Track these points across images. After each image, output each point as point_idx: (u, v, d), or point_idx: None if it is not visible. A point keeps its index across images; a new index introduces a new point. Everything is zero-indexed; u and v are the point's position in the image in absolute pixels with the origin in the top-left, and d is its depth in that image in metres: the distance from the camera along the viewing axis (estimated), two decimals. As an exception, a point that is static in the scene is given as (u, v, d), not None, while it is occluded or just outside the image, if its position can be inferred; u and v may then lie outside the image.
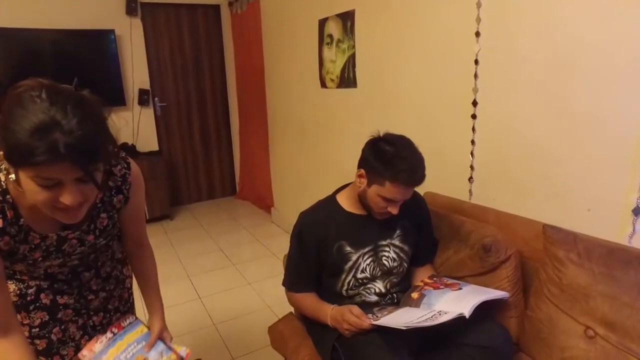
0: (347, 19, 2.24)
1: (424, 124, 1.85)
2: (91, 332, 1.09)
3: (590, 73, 1.22)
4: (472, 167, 1.66)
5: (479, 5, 1.50)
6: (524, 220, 1.39)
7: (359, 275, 1.30)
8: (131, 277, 1.20)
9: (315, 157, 2.88)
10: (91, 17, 3.47)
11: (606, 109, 1.20)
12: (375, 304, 1.30)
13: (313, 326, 1.33)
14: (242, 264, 2.89)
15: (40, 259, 0.91)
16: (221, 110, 4.35)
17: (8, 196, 0.82)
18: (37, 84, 0.71)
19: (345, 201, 1.35)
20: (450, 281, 1.27)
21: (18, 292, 0.98)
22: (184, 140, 4.20)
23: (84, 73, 3.44)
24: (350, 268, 1.29)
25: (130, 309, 1.21)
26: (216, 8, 4.08)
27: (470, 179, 1.67)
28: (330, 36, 2.41)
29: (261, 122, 3.62)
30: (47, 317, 1.02)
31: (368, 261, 1.30)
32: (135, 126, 3.84)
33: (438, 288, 1.23)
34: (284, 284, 1.40)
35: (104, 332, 1.06)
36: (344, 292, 1.31)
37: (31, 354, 0.86)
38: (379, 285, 1.31)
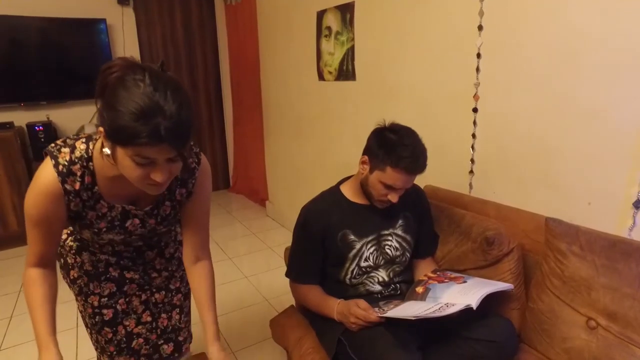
0: (346, 11, 2.22)
1: (424, 118, 1.85)
2: (153, 308, 1.18)
3: (592, 67, 1.23)
4: (472, 161, 1.66)
5: (482, -2, 1.50)
6: (524, 214, 1.41)
7: (363, 264, 1.30)
8: None
9: (312, 151, 2.86)
10: (81, 6, 3.39)
11: (607, 103, 1.21)
12: (379, 293, 1.31)
13: (316, 319, 1.33)
14: (238, 257, 2.88)
15: (104, 229, 0.98)
16: (215, 102, 4.30)
17: (91, 164, 0.90)
18: (132, 65, 0.76)
19: (349, 191, 1.37)
20: (454, 275, 1.28)
21: (91, 262, 1.11)
22: (176, 133, 4.14)
23: (73, 64, 3.36)
24: (354, 256, 1.30)
25: (190, 292, 1.26)
26: (210, -2, 4.02)
27: (471, 172, 1.68)
28: (329, 28, 2.39)
29: (256, 114, 3.58)
30: (114, 289, 1.13)
31: (371, 250, 1.31)
32: (127, 118, 3.78)
33: (442, 282, 1.24)
34: (288, 275, 1.40)
35: (165, 310, 1.18)
36: (347, 281, 1.32)
37: (54, 292, 0.97)
38: (382, 274, 1.32)
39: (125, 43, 3.63)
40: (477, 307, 1.06)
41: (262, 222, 3.55)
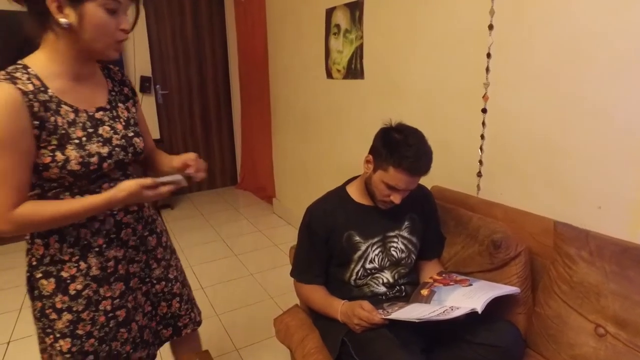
0: (355, 8, 2.20)
1: (432, 117, 1.83)
2: (152, 298, 1.17)
3: (603, 68, 1.20)
4: (480, 162, 1.64)
5: (493, -3, 1.47)
6: (532, 216, 1.39)
7: (368, 266, 1.30)
8: None
9: (319, 148, 2.86)
10: (92, 2, 3.41)
11: (618, 104, 1.19)
12: (384, 294, 1.31)
13: (320, 319, 1.33)
14: (244, 254, 2.89)
15: (84, 138, 0.92)
16: (223, 99, 4.31)
17: (29, 69, 0.87)
18: None
19: (355, 192, 1.36)
20: (460, 277, 1.27)
21: (99, 265, 1.01)
22: (185, 129, 4.16)
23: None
24: (359, 258, 1.29)
25: (185, 278, 1.28)
26: (222, -9, 4.02)
27: (479, 173, 1.66)
28: (338, 26, 2.38)
29: (264, 111, 3.58)
30: (124, 287, 1.07)
31: (377, 251, 1.30)
32: (136, 114, 3.80)
33: (448, 284, 1.22)
34: (292, 275, 1.39)
35: (165, 299, 1.18)
36: (352, 282, 1.31)
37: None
38: (387, 276, 1.31)
39: (135, 38, 3.65)
40: (483, 311, 1.05)
41: (268, 219, 3.56)
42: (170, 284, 1.20)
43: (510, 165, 1.53)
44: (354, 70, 2.30)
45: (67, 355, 0.99)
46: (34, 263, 0.98)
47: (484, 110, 1.58)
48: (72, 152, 0.90)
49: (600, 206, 1.28)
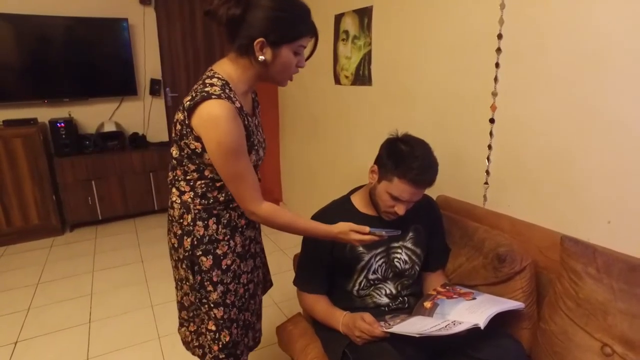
0: (364, 15, 2.20)
1: (439, 126, 1.82)
2: (261, 267, 1.32)
3: (617, 75, 1.17)
4: (487, 172, 1.62)
5: (502, 6, 1.45)
6: (540, 229, 1.37)
7: (371, 276, 1.29)
8: None
9: (327, 154, 2.85)
10: (104, 6, 3.46)
11: (633, 113, 1.16)
12: (386, 305, 1.30)
13: (322, 329, 1.33)
14: (250, 258, 2.89)
15: (256, 143, 1.10)
16: (232, 102, 4.32)
17: (231, 85, 1.02)
18: None
19: (359, 202, 1.35)
20: (464, 290, 1.25)
21: (242, 243, 1.17)
22: (194, 132, 4.19)
23: (96, 62, 3.43)
24: (362, 268, 1.29)
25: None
26: (230, -2, 4.04)
27: (486, 183, 1.64)
28: (346, 32, 2.37)
29: (272, 116, 3.59)
30: (253, 264, 1.23)
31: (380, 262, 1.29)
32: (146, 116, 3.84)
33: (451, 297, 1.21)
34: (295, 284, 1.39)
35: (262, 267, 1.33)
36: (355, 292, 1.30)
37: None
38: (390, 287, 1.30)
39: (146, 42, 3.69)
40: (487, 325, 1.03)
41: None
42: (263, 256, 1.36)
43: (518, 176, 1.51)
44: (362, 76, 2.29)
45: (221, 322, 1.15)
46: (195, 242, 1.10)
47: (492, 120, 1.57)
48: (252, 156, 1.07)
49: (609, 220, 1.26)
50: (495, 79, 1.52)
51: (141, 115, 3.82)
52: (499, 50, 1.50)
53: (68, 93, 3.41)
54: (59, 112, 3.44)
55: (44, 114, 3.36)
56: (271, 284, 1.45)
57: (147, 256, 2.97)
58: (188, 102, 0.97)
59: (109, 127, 3.51)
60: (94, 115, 3.59)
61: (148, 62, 3.74)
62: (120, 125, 3.60)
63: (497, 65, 1.51)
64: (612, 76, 1.19)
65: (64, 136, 3.23)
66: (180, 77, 4.00)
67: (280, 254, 2.95)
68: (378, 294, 1.31)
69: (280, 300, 2.35)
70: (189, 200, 1.09)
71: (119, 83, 3.59)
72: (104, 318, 2.21)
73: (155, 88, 3.78)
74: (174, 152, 1.08)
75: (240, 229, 1.16)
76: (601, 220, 1.27)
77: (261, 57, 0.99)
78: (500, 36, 1.48)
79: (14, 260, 2.92)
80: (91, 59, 3.42)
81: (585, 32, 1.24)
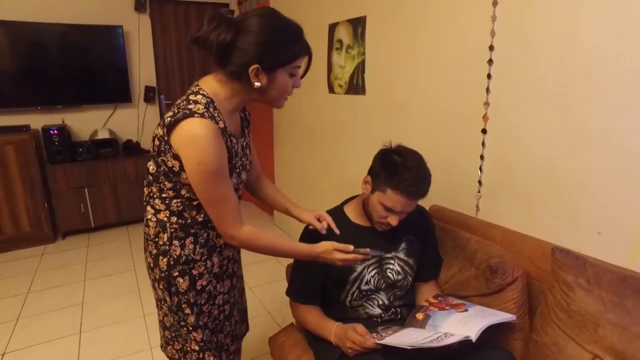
0: (358, 25, 2.21)
1: (432, 136, 1.83)
2: (236, 294, 1.30)
3: (606, 90, 1.19)
4: (480, 182, 1.63)
5: (494, 18, 1.47)
6: (532, 240, 1.37)
7: (363, 287, 1.28)
8: None
9: (321, 162, 2.86)
10: (99, 13, 3.46)
11: (622, 127, 1.17)
12: (379, 316, 1.29)
13: (315, 340, 1.32)
14: (244, 267, 2.87)
15: (239, 166, 1.09)
16: (227, 109, 4.33)
17: (215, 104, 0.98)
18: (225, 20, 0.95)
19: (353, 212, 1.35)
20: (456, 301, 1.25)
21: (219, 263, 1.15)
22: (188, 139, 4.18)
23: (89, 69, 3.43)
24: (355, 279, 1.28)
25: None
26: (225, 7, 4.06)
27: (478, 193, 1.64)
28: (340, 41, 2.39)
29: (266, 124, 3.60)
30: (230, 284, 1.22)
31: (372, 273, 1.29)
32: (140, 123, 3.83)
33: (443, 309, 1.21)
34: (288, 294, 1.39)
35: (240, 294, 1.34)
36: (347, 303, 1.30)
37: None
38: (383, 298, 1.30)
39: (141, 49, 3.69)
40: (478, 337, 1.03)
41: (269, 231, 3.54)
42: (241, 281, 1.34)
43: (510, 187, 1.52)
44: (356, 85, 2.30)
45: (201, 344, 1.13)
46: (172, 263, 1.07)
47: (484, 131, 1.58)
48: (233, 179, 1.04)
49: (600, 232, 1.27)
50: (487, 90, 1.54)
51: (135, 122, 3.81)
52: (490, 61, 1.51)
53: (62, 100, 3.40)
54: (52, 119, 3.42)
55: (37, 120, 3.35)
56: (247, 329, 1.41)
57: (139, 264, 2.94)
58: (169, 118, 0.93)
59: (103, 134, 3.49)
60: (87, 122, 3.58)
61: (143, 69, 3.74)
62: (114, 132, 3.59)
63: (489, 76, 1.52)
64: (600, 90, 1.21)
65: (57, 143, 3.21)
66: (175, 84, 4.00)
67: (274, 262, 2.94)
68: (371, 305, 1.30)
69: (273, 309, 2.33)
70: (165, 219, 1.05)
71: (113, 90, 3.59)
72: (95, 328, 2.19)
73: (149, 95, 3.77)
74: (151, 167, 1.04)
75: (218, 249, 1.13)
76: (592, 231, 1.28)
77: (257, 84, 0.96)
78: (491, 47, 1.50)
79: (4, 268, 2.88)
80: (85, 66, 3.41)
81: (574, 44, 1.25)
